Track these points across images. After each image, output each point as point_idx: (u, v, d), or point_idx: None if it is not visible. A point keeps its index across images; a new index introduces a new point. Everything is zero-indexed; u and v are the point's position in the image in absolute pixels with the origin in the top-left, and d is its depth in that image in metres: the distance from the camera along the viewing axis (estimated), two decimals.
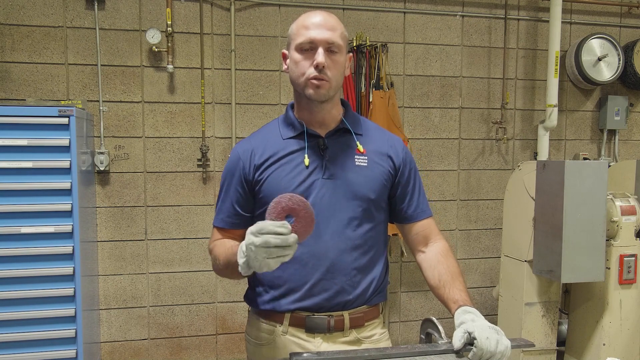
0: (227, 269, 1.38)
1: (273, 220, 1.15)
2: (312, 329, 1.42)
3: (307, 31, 1.35)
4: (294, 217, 1.16)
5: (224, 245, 1.40)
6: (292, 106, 1.50)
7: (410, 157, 1.53)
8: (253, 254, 1.13)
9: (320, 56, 1.33)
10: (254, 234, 1.13)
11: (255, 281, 1.49)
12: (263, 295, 1.46)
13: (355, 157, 1.43)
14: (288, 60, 1.42)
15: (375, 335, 1.49)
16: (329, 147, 1.42)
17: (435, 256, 1.46)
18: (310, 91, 1.36)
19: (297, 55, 1.37)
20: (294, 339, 1.43)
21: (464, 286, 1.38)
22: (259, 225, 1.13)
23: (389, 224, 1.56)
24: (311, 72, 1.34)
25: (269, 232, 1.12)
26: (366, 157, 1.44)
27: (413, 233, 1.51)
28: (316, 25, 1.35)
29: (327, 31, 1.34)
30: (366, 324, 1.47)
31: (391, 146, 1.49)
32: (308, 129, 1.43)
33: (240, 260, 1.18)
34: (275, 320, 1.44)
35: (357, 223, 1.41)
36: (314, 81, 1.35)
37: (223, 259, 1.38)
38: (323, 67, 1.33)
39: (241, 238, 1.48)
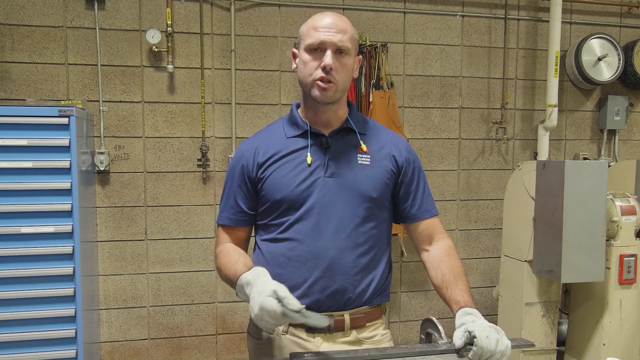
0: (228, 282, 1.40)
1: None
2: (312, 329, 1.42)
3: (317, 33, 1.36)
4: None
5: (229, 258, 1.41)
6: (297, 105, 1.51)
7: (415, 156, 1.53)
8: (262, 323, 1.19)
9: (328, 58, 1.34)
10: (271, 317, 1.17)
11: None
12: None
13: (358, 156, 1.44)
14: (297, 60, 1.43)
15: (377, 336, 1.49)
16: (332, 145, 1.43)
17: (439, 255, 1.46)
18: (316, 92, 1.38)
19: (306, 56, 1.39)
20: (294, 339, 1.43)
21: (467, 286, 1.39)
22: (278, 316, 1.16)
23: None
24: (318, 73, 1.36)
25: (286, 319, 1.18)
26: (369, 156, 1.44)
27: (417, 232, 1.51)
28: (326, 27, 1.36)
29: (336, 34, 1.36)
30: (367, 324, 1.47)
31: (394, 146, 1.49)
32: (312, 128, 1.44)
33: (242, 298, 1.28)
34: None
35: (359, 221, 1.42)
36: (321, 83, 1.36)
37: (226, 274, 1.39)
38: (330, 69, 1.34)
39: (246, 235, 1.51)
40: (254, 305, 1.18)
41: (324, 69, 1.35)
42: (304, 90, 1.42)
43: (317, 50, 1.36)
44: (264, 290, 1.18)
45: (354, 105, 1.53)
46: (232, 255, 1.41)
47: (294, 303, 1.16)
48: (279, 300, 1.16)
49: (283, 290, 1.18)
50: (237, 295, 1.30)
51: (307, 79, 1.38)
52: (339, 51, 1.36)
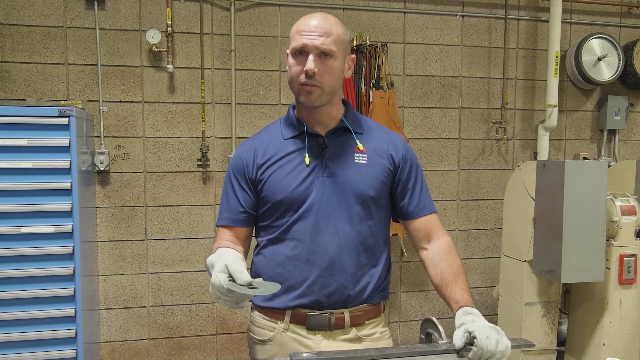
0: None
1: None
2: (312, 327, 1.43)
3: (300, 36, 1.36)
4: None
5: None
6: (293, 106, 1.52)
7: (412, 154, 1.53)
8: (222, 301, 1.20)
9: (310, 63, 1.34)
10: (222, 293, 1.17)
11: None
12: None
13: (355, 155, 1.45)
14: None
15: (376, 334, 1.50)
16: (329, 146, 1.44)
17: (438, 253, 1.46)
18: (302, 97, 1.39)
19: (290, 60, 1.40)
20: (295, 336, 1.44)
21: (466, 285, 1.39)
22: (225, 290, 1.17)
23: (391, 223, 1.56)
24: (302, 78, 1.36)
25: (238, 296, 1.18)
26: (366, 155, 1.45)
27: (415, 229, 1.51)
28: (309, 30, 1.36)
29: (319, 37, 1.35)
30: (367, 322, 1.48)
31: (391, 144, 1.50)
32: (308, 129, 1.45)
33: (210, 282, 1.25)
34: (277, 317, 1.46)
35: (357, 220, 1.43)
36: (305, 87, 1.37)
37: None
38: (313, 73, 1.34)
39: (246, 235, 1.51)
40: (210, 287, 1.20)
41: (306, 73, 1.35)
42: (293, 93, 1.44)
43: (301, 53, 1.37)
44: (218, 266, 1.20)
45: (350, 104, 1.53)
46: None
47: (241, 277, 1.17)
48: (230, 275, 1.18)
49: (235, 264, 1.19)
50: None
51: (293, 83, 1.40)
52: (322, 54, 1.36)
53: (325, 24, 1.37)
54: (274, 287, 1.21)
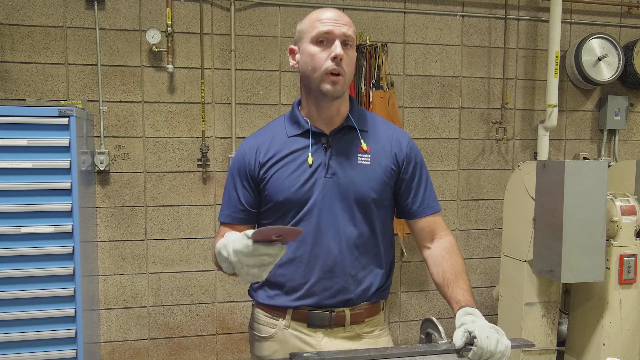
0: (217, 266, 1.37)
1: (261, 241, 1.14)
2: (313, 324, 1.43)
3: (323, 24, 1.35)
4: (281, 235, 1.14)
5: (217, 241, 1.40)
6: (298, 103, 1.50)
7: (416, 152, 1.51)
8: (245, 271, 1.14)
9: (338, 48, 1.33)
10: (246, 255, 1.12)
11: None
12: (266, 290, 1.48)
13: (359, 155, 1.43)
14: (297, 56, 1.41)
15: (376, 331, 1.50)
16: (333, 145, 1.43)
17: (440, 253, 1.46)
18: (327, 87, 1.35)
19: (313, 48, 1.36)
20: (296, 333, 1.45)
21: (467, 285, 1.39)
22: (250, 248, 1.12)
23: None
24: (329, 64, 1.34)
25: (263, 254, 1.12)
26: (369, 156, 1.43)
27: (419, 229, 1.51)
28: (332, 19, 1.36)
29: (343, 25, 1.35)
30: (367, 320, 1.48)
31: (395, 142, 1.48)
32: (313, 127, 1.43)
33: (227, 267, 1.21)
34: (278, 314, 1.47)
35: (359, 222, 1.42)
36: (332, 76, 1.34)
37: (213, 256, 1.38)
38: (341, 59, 1.33)
39: None
40: (232, 257, 1.14)
41: (334, 59, 1.33)
42: (311, 85, 1.39)
43: (323, 41, 1.35)
44: (236, 237, 1.15)
45: (355, 100, 1.51)
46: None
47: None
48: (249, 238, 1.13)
49: (252, 232, 1.14)
50: (222, 269, 1.25)
51: (317, 71, 1.36)
52: (344, 43, 1.35)
53: (344, 15, 1.39)
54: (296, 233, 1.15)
